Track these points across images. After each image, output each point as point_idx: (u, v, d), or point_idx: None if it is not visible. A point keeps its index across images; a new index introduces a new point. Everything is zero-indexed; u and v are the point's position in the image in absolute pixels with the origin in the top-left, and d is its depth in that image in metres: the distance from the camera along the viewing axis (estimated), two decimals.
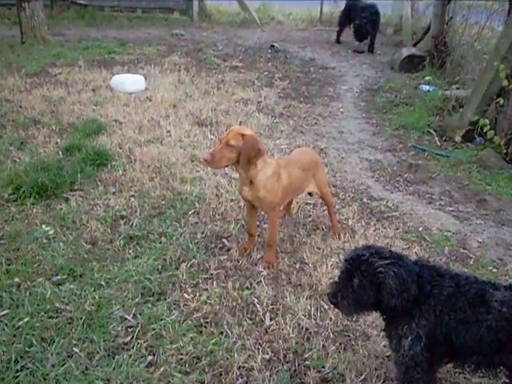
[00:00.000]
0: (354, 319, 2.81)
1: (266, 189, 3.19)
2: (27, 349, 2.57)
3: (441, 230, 4.10)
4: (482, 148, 6.00)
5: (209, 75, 8.31)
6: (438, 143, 6.24)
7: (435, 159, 5.77)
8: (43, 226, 3.67)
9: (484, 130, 5.77)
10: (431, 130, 6.59)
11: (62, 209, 3.93)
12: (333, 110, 7.35)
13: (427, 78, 8.89)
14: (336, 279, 2.32)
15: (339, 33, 12.20)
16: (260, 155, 3.09)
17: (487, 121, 5.76)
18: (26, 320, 2.74)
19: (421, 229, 4.09)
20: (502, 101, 5.57)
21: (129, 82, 7.01)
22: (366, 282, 2.17)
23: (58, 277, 3.14)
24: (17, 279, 3.07)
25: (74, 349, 2.59)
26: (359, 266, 2.19)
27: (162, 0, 13.69)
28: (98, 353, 2.57)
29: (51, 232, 3.61)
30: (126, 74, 7.54)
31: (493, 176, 5.25)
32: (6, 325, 2.72)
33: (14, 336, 2.65)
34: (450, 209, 4.59)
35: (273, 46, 11.03)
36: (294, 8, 15.85)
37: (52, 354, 2.54)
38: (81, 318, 2.77)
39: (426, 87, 8.19)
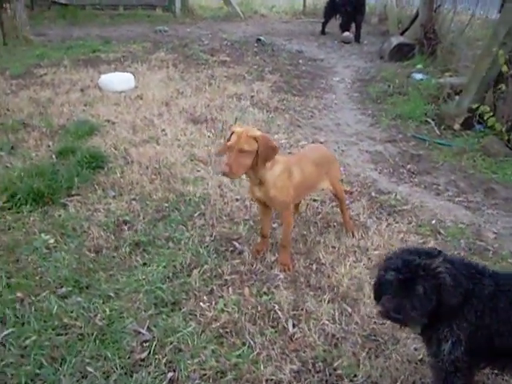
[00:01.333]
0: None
1: (277, 188, 3.03)
2: (37, 371, 2.38)
3: (454, 222, 3.97)
4: (482, 135, 5.91)
5: (198, 71, 8.10)
6: (438, 132, 6.13)
7: (437, 148, 5.65)
8: (42, 235, 3.46)
9: (485, 117, 5.67)
10: (429, 119, 6.48)
11: (60, 216, 3.72)
12: (327, 102, 7.21)
13: (418, 66, 8.79)
14: (389, 294, 2.05)
15: (324, 24, 12.07)
16: (276, 153, 2.94)
17: (488, 107, 5.66)
18: (33, 339, 2.55)
19: (434, 222, 3.96)
20: (503, 87, 5.45)
21: (118, 80, 6.78)
22: (428, 286, 1.98)
23: (63, 289, 2.95)
24: (19, 294, 2.87)
25: (88, 368, 2.41)
26: (417, 271, 1.99)
27: None
28: (114, 371, 2.40)
29: (51, 241, 3.41)
30: (114, 72, 7.29)
31: (498, 164, 5.15)
32: (12, 345, 2.52)
33: (22, 357, 2.46)
34: (459, 199, 4.47)
35: (259, 39, 10.85)
36: (276, 0, 15.67)
37: (65, 375, 2.36)
38: (92, 334, 2.59)
39: (418, 76, 8.08)
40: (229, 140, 2.90)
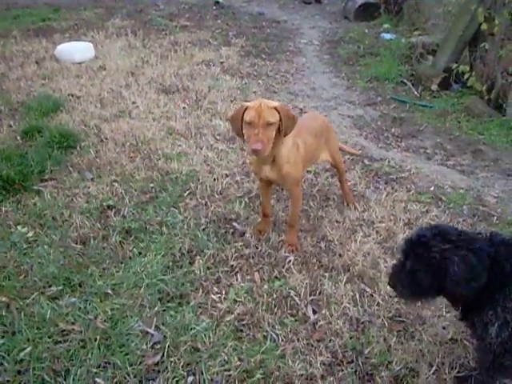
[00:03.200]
0: (414, 305, 2.50)
1: (290, 163, 2.78)
2: None
3: (453, 188, 3.85)
4: (461, 95, 5.81)
5: (159, 37, 7.64)
6: (416, 93, 5.99)
7: (418, 110, 5.52)
8: (19, 228, 3.10)
9: (465, 77, 5.54)
10: (405, 80, 6.33)
11: (36, 204, 3.35)
12: (298, 66, 6.94)
13: (385, 25, 8.61)
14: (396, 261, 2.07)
15: None
16: (295, 124, 2.70)
17: (467, 67, 5.53)
18: (28, 350, 2.25)
19: (432, 188, 3.82)
20: (486, 45, 5.30)
21: (76, 50, 6.27)
22: (420, 266, 1.90)
23: (53, 289, 2.63)
24: (4, 298, 2.54)
25: (97, 379, 2.14)
26: (414, 248, 1.93)
27: None
28: (127, 381, 2.14)
29: (30, 234, 3.06)
30: (70, 42, 6.75)
31: (483, 124, 5.05)
32: (4, 358, 2.21)
33: (19, 373, 2.16)
34: (451, 163, 4.36)
35: (217, 1, 10.40)
36: None
37: None
38: (95, 339, 2.30)
39: (387, 36, 7.90)
40: (242, 117, 2.61)
